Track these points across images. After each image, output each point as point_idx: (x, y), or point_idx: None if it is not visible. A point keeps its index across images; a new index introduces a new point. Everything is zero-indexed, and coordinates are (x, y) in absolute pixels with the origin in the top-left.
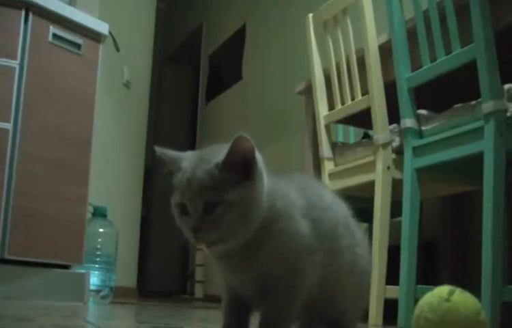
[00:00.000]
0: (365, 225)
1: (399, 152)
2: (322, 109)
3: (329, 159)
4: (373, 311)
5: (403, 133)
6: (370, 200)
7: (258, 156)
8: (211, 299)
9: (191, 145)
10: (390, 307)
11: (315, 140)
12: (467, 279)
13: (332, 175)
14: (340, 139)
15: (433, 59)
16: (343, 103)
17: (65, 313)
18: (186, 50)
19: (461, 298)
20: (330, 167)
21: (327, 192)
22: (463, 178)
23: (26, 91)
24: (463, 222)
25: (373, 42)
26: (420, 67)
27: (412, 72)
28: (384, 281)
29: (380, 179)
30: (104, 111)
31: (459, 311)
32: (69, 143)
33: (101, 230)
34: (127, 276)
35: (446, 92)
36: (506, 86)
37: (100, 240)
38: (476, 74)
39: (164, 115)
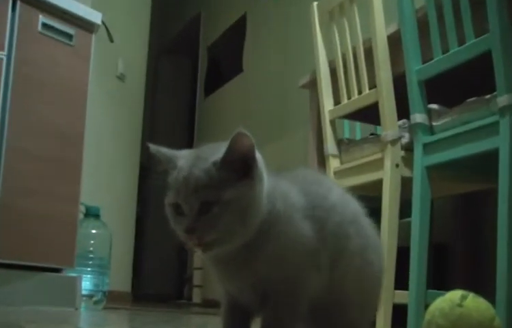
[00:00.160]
0: None
1: (408, 148)
2: (327, 104)
3: (334, 156)
4: (380, 318)
5: (412, 129)
6: (378, 200)
7: (258, 154)
8: (209, 304)
9: (189, 142)
10: (399, 313)
11: (319, 136)
12: (481, 284)
13: (338, 174)
14: (346, 135)
15: (445, 50)
16: (349, 97)
17: (56, 320)
18: (184, 41)
19: (474, 303)
20: (335, 165)
21: (334, 189)
22: (476, 177)
23: (14, 84)
24: (476, 223)
25: (381, 32)
26: (432, 59)
27: (423, 64)
28: (392, 285)
29: (388, 177)
30: (97, 105)
31: (472, 317)
32: (59, 139)
33: (94, 231)
34: (121, 280)
35: (458, 85)
36: None
37: (92, 242)
38: (491, 65)
39: (160, 109)
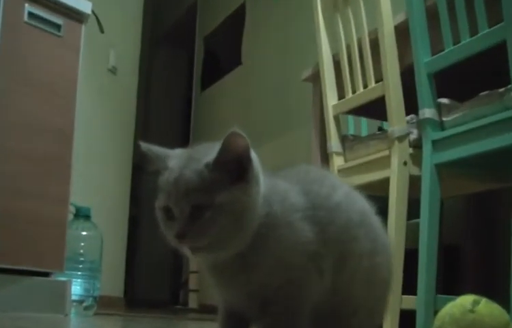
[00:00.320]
0: None
1: (416, 145)
2: (331, 98)
3: (338, 154)
4: (387, 324)
5: (421, 125)
6: (384, 200)
7: (253, 155)
8: (206, 310)
9: (184, 139)
10: (407, 320)
11: (322, 133)
12: (494, 288)
13: (342, 172)
14: (351, 131)
15: (456, 41)
16: (354, 91)
17: (45, 327)
18: (179, 31)
19: (487, 309)
20: (339, 163)
21: (339, 187)
22: (489, 175)
23: None
24: (488, 224)
25: (388, 23)
26: (442, 50)
27: (432, 55)
28: (399, 290)
29: (396, 176)
30: (87, 100)
31: (485, 324)
32: (47, 136)
33: (84, 233)
34: (113, 284)
35: (470, 78)
36: None
37: (82, 244)
38: (506, 57)
39: (154, 104)
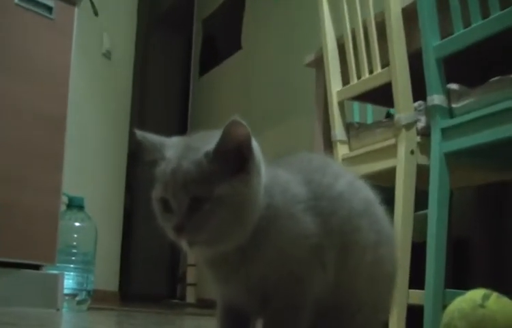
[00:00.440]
0: None
1: (424, 134)
2: (335, 84)
3: (342, 142)
4: (394, 320)
5: (430, 112)
6: (391, 190)
7: (255, 144)
8: (205, 305)
9: (182, 127)
10: (414, 315)
11: (326, 120)
12: (505, 282)
13: (347, 161)
14: (356, 118)
15: (466, 24)
16: (359, 77)
17: (35, 322)
18: (176, 13)
19: (497, 304)
20: (343, 152)
21: (342, 175)
22: (500, 165)
23: None
24: (499, 216)
25: (395, 5)
26: (451, 33)
27: (441, 39)
28: (406, 284)
29: (403, 165)
30: (80, 86)
31: (496, 320)
32: (39, 124)
33: (77, 224)
34: (107, 278)
35: (481, 63)
36: None
37: (75, 235)
38: None
39: (150, 90)
